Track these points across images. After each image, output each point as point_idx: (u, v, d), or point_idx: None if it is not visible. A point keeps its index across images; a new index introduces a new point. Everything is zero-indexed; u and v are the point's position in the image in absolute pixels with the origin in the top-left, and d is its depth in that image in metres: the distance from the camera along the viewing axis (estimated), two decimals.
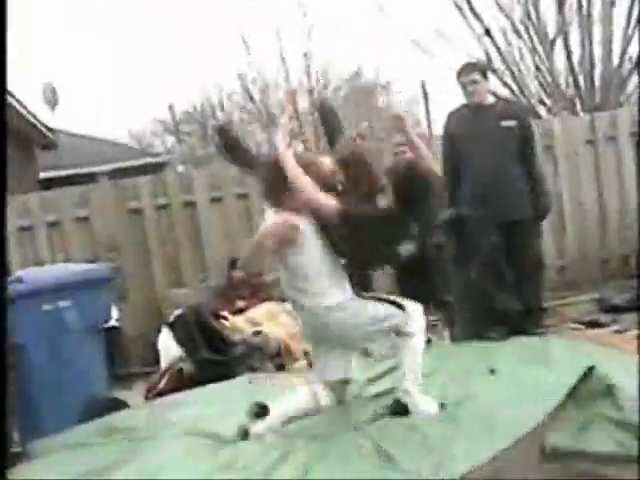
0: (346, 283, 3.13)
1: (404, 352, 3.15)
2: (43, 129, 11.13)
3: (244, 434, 3.14)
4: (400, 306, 3.15)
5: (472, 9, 10.37)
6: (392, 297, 3.26)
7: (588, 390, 2.61)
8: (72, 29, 34.25)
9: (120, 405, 4.26)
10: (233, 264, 5.82)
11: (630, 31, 9.66)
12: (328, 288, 3.06)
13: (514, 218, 4.79)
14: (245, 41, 18.86)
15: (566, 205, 6.75)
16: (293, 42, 23.33)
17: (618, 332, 4.68)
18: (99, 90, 36.23)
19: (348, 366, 3.26)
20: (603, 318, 5.24)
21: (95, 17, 32.20)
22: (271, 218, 3.13)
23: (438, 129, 5.89)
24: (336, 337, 3.14)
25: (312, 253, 3.04)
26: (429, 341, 4.36)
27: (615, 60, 9.95)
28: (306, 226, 3.04)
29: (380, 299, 3.23)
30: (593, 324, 5.12)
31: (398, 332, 3.15)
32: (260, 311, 5.55)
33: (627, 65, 9.97)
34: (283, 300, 4.76)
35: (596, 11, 9.87)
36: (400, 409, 3.12)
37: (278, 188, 3.08)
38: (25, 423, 4.19)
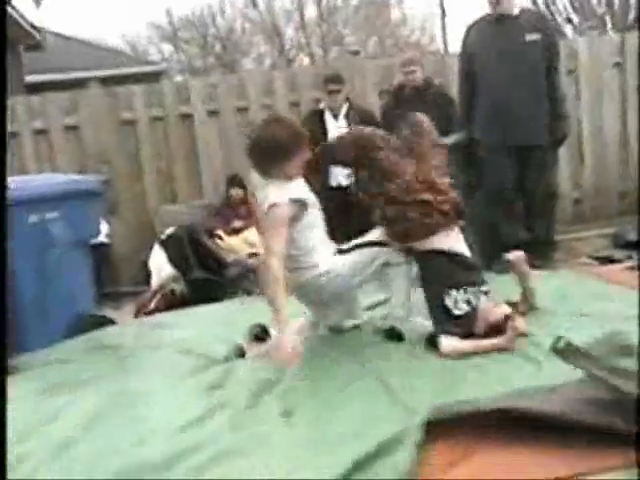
0: (329, 242, 3.19)
1: (395, 281, 3.19)
2: (28, 27, 10.75)
3: (239, 353, 3.18)
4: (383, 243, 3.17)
5: None
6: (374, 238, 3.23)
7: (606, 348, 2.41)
8: None
9: (107, 323, 4.28)
10: (231, 181, 5.80)
11: None
12: (323, 256, 3.09)
13: (530, 142, 4.70)
14: None
15: (585, 133, 6.61)
16: None
17: (631, 268, 4.63)
18: None
19: (353, 311, 3.37)
20: (617, 254, 5.21)
21: None
22: (270, 194, 2.99)
23: (455, 46, 5.78)
24: (332, 298, 3.22)
25: (312, 221, 3.06)
26: None
27: None
28: (308, 194, 3.06)
29: (362, 245, 3.23)
30: (606, 260, 5.09)
31: (388, 264, 3.17)
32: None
33: None
34: None
35: None
36: (395, 335, 3.17)
37: (269, 159, 3.01)
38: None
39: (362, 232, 3.28)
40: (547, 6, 10.14)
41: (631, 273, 4.46)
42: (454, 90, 5.31)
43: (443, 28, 18.81)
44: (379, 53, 20.07)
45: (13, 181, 4.30)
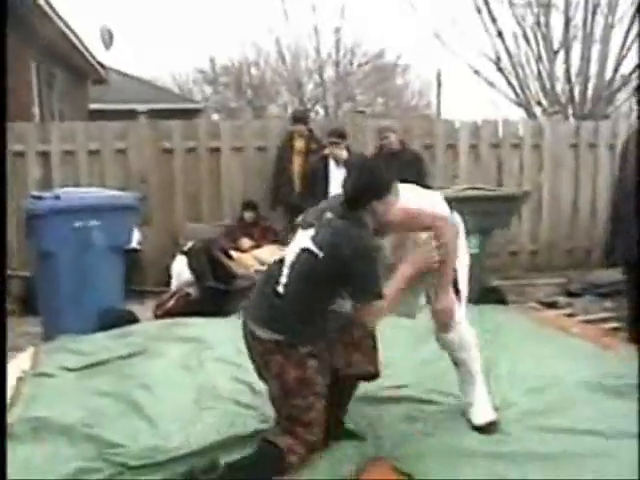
0: None
1: None
2: (98, 66, 10.99)
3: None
4: None
5: (490, 12, 10.14)
6: None
7: None
8: None
9: (132, 317, 4.29)
10: (246, 206, 5.79)
11: (624, 52, 9.50)
12: None
13: None
14: (285, 11, 18.59)
15: (545, 197, 6.67)
16: (327, 18, 23.01)
17: (569, 315, 4.69)
18: (149, 36, 35.76)
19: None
20: (561, 301, 5.23)
21: None
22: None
23: (446, 112, 5.98)
24: None
25: None
26: None
27: (607, 75, 9.77)
28: None
29: None
30: (551, 304, 5.11)
31: None
32: (266, 250, 5.47)
33: (617, 81, 9.80)
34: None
35: (597, 31, 9.72)
36: None
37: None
38: (49, 320, 4.26)
39: None
40: (522, 90, 10.29)
41: (567, 318, 4.53)
42: (440, 147, 5.84)
43: (438, 95, 19.09)
44: (384, 112, 20.35)
45: (65, 192, 4.39)
